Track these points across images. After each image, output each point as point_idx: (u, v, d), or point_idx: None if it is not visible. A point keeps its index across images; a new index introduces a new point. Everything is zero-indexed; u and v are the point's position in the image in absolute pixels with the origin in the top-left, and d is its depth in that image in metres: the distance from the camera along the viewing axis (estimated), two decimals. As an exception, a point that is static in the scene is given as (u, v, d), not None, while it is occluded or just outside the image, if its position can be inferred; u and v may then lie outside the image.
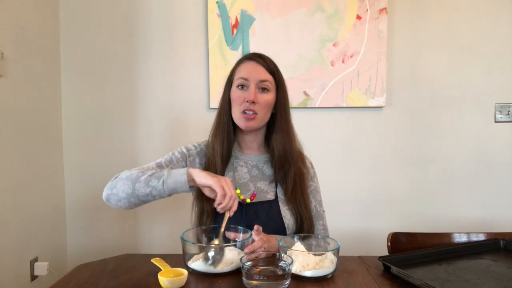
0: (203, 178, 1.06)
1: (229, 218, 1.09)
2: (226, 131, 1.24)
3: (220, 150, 1.23)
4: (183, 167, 1.24)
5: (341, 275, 1.03)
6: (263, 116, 1.22)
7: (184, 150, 1.29)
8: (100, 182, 2.13)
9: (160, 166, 1.22)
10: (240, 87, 1.21)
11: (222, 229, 1.08)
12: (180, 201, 2.12)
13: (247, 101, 1.18)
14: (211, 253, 1.02)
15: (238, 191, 1.23)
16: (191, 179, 1.07)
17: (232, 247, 1.04)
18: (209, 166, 1.24)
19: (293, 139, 1.26)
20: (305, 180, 1.28)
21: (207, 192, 1.08)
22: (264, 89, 1.20)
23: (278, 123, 1.24)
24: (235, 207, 1.07)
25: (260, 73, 1.20)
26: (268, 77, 1.21)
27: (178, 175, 1.07)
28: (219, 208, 1.06)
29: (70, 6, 2.10)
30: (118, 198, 1.11)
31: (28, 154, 1.84)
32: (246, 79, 1.19)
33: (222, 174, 1.24)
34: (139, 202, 1.11)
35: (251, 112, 1.19)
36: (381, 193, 2.16)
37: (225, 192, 1.04)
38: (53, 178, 2.07)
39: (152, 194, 1.08)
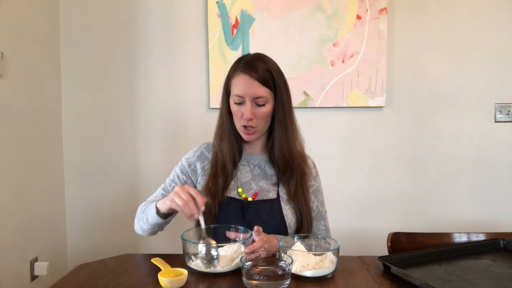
0: (162, 205, 1.12)
1: (226, 214, 1.12)
2: (233, 136, 1.25)
3: (232, 154, 1.25)
4: (185, 181, 1.30)
5: (341, 275, 1.03)
6: (263, 127, 1.22)
7: (184, 163, 1.31)
8: (100, 182, 2.15)
9: (165, 190, 1.31)
10: (236, 103, 1.20)
11: (203, 226, 1.08)
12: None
13: (245, 118, 1.18)
14: (210, 252, 1.02)
15: (240, 190, 1.24)
16: (161, 213, 1.16)
17: (233, 244, 1.04)
18: (216, 170, 1.24)
19: (293, 142, 1.24)
20: (307, 180, 1.28)
21: (177, 210, 1.12)
22: (259, 104, 1.18)
23: (276, 130, 1.23)
24: (199, 203, 1.06)
25: (253, 88, 1.16)
26: (263, 91, 1.17)
27: (151, 211, 1.18)
28: (189, 219, 1.08)
29: (70, 6, 2.10)
30: (141, 232, 1.28)
31: (28, 154, 1.84)
32: (241, 97, 1.17)
33: (232, 176, 1.25)
34: (152, 233, 1.26)
35: (250, 128, 1.20)
36: (381, 193, 2.16)
37: (179, 206, 1.05)
38: (53, 178, 2.07)
39: (149, 228, 1.23)
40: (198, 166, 1.29)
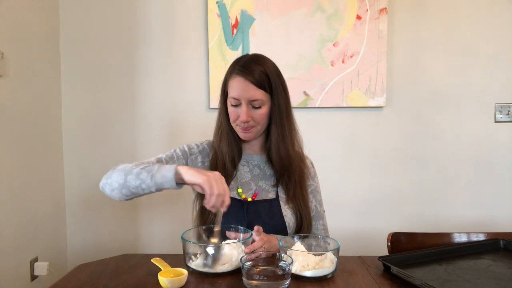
0: (191, 176, 1.04)
1: (226, 214, 1.08)
2: (232, 137, 1.25)
3: (231, 154, 1.24)
4: (183, 164, 1.25)
5: (341, 275, 1.03)
6: (260, 128, 1.22)
7: (186, 148, 1.29)
8: (100, 182, 2.15)
9: (160, 162, 1.22)
10: (233, 105, 1.20)
11: (217, 228, 1.07)
12: (181, 201, 2.12)
13: (241, 121, 1.18)
14: (210, 251, 1.02)
15: (239, 190, 1.24)
16: (179, 177, 1.06)
17: (233, 245, 1.04)
18: (216, 170, 1.23)
19: (291, 143, 1.24)
20: (305, 180, 1.29)
21: (197, 189, 1.06)
22: (256, 107, 1.18)
23: (273, 132, 1.22)
24: (227, 202, 1.04)
25: (249, 91, 1.16)
26: (258, 94, 1.16)
27: (166, 171, 1.06)
28: (208, 207, 1.04)
29: (70, 6, 2.10)
30: (112, 188, 1.13)
31: (28, 154, 1.84)
32: (237, 99, 1.17)
33: (232, 176, 1.24)
34: (130, 194, 1.12)
35: (247, 127, 1.19)
36: (381, 193, 2.16)
37: (212, 191, 1.02)
38: (53, 178, 2.07)
39: (141, 187, 1.08)
40: (199, 159, 1.29)
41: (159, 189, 1.08)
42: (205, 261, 1.01)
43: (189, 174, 1.05)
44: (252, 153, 1.30)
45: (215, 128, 1.29)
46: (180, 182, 1.07)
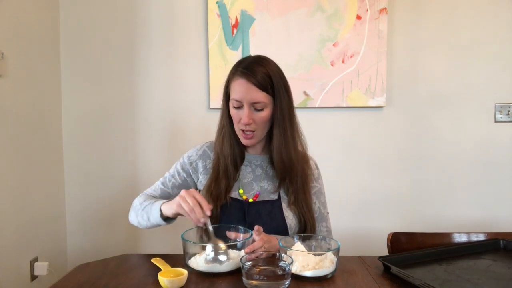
0: (169, 210, 1.13)
1: (227, 215, 1.14)
2: (234, 139, 1.24)
3: (233, 157, 1.24)
4: (185, 178, 1.30)
5: (341, 275, 1.02)
6: (262, 132, 1.21)
7: (186, 160, 1.31)
8: (100, 182, 2.15)
9: (164, 185, 1.31)
10: (235, 107, 1.19)
11: (211, 229, 1.08)
12: (180, 201, 2.12)
13: (243, 123, 1.18)
14: (211, 252, 1.02)
15: (241, 191, 1.24)
16: (165, 216, 1.16)
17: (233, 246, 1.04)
18: (218, 173, 1.23)
19: (293, 146, 1.23)
20: (309, 182, 1.27)
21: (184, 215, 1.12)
22: (258, 109, 1.17)
23: (275, 134, 1.21)
24: (205, 206, 1.06)
25: (251, 93, 1.15)
26: (260, 96, 1.15)
27: (154, 211, 1.18)
28: (195, 223, 1.07)
29: (70, 6, 2.10)
30: (136, 224, 1.29)
31: (28, 154, 1.84)
32: (239, 101, 1.17)
33: (234, 178, 1.25)
34: (152, 227, 1.26)
35: (248, 132, 1.19)
36: (381, 193, 2.16)
37: (186, 211, 1.06)
38: (53, 178, 2.07)
39: (148, 225, 1.24)
40: (200, 164, 1.29)
41: (161, 225, 1.21)
42: (206, 257, 1.02)
43: (167, 210, 1.14)
44: (255, 153, 1.30)
45: (217, 130, 1.28)
46: (168, 218, 1.17)
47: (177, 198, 1.08)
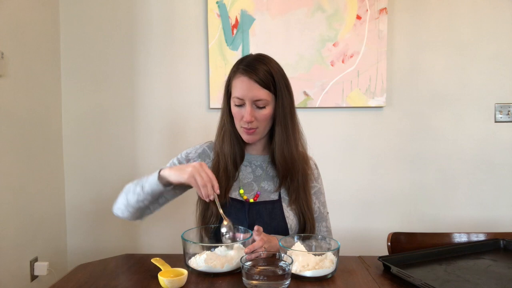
0: (175, 176, 1.10)
1: (228, 215, 1.13)
2: (235, 138, 1.24)
3: (233, 156, 1.24)
4: None
5: (341, 275, 1.02)
6: (264, 129, 1.21)
7: (183, 156, 1.30)
8: (100, 182, 2.15)
9: None
10: (236, 105, 1.19)
11: (221, 211, 1.11)
12: (180, 201, 2.12)
13: (245, 121, 1.17)
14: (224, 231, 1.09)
15: (241, 191, 1.24)
16: (165, 180, 1.12)
17: (233, 246, 1.04)
18: (218, 172, 1.23)
19: (295, 144, 1.23)
20: (309, 181, 1.27)
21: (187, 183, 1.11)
22: (260, 107, 1.17)
23: (277, 132, 1.21)
24: (216, 185, 1.08)
25: (253, 91, 1.15)
26: (262, 94, 1.15)
27: (151, 178, 1.13)
28: (204, 199, 1.09)
29: (70, 6, 2.10)
30: (122, 211, 1.22)
31: (28, 154, 1.84)
32: (241, 99, 1.17)
33: (234, 178, 1.25)
34: (135, 211, 1.19)
35: (250, 128, 1.19)
36: (381, 193, 2.16)
37: (198, 184, 1.06)
38: (53, 178, 2.07)
39: (139, 200, 1.16)
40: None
41: (154, 197, 1.16)
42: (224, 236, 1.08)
43: (173, 175, 1.10)
44: (255, 153, 1.30)
45: (217, 129, 1.28)
46: (168, 184, 1.13)
47: (190, 169, 1.08)
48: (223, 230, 1.10)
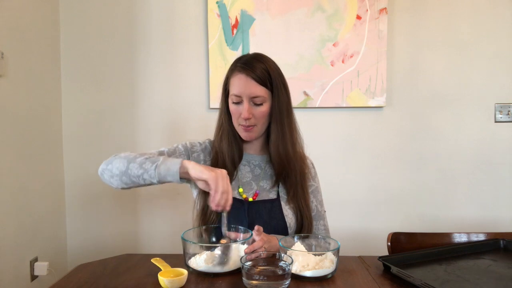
0: (199, 171, 1.04)
1: (229, 214, 1.09)
2: (233, 137, 1.24)
3: (231, 154, 1.24)
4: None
5: (341, 275, 1.02)
6: (261, 126, 1.22)
7: (188, 145, 1.29)
8: (100, 182, 2.14)
9: (161, 154, 1.21)
10: (234, 103, 1.20)
11: (225, 228, 1.07)
12: (180, 201, 2.13)
13: (243, 117, 1.18)
14: (217, 253, 1.02)
15: (241, 189, 1.24)
16: (185, 171, 1.05)
17: (235, 245, 1.04)
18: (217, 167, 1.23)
19: (290, 142, 1.23)
20: (306, 180, 1.28)
21: (201, 185, 1.06)
22: (257, 104, 1.17)
23: (273, 130, 1.22)
24: (230, 201, 1.04)
25: (251, 88, 1.16)
26: (259, 91, 1.16)
27: (172, 164, 1.06)
28: (213, 206, 1.04)
29: (70, 6, 2.10)
30: (111, 174, 1.13)
31: (28, 154, 1.84)
32: (239, 96, 1.17)
33: (233, 176, 1.24)
34: (130, 183, 1.11)
35: (248, 126, 1.19)
36: (381, 193, 2.16)
37: (218, 188, 1.02)
38: (53, 178, 2.07)
39: (143, 177, 1.08)
40: (202, 157, 1.29)
41: (161, 182, 1.08)
42: (210, 262, 1.01)
43: (196, 169, 1.04)
44: (253, 153, 1.30)
45: (216, 128, 1.28)
46: (183, 177, 1.07)
47: (216, 173, 1.03)
48: (218, 251, 1.03)
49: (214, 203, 1.03)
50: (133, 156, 1.12)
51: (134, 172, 1.09)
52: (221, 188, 1.02)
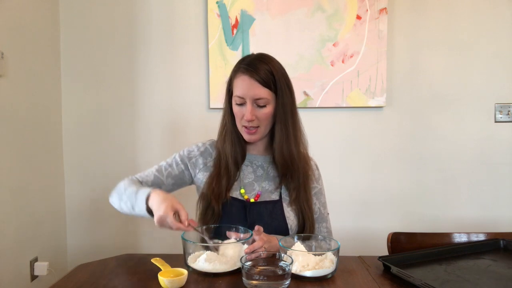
0: (154, 210, 1.08)
1: (229, 215, 1.13)
2: (236, 137, 1.24)
3: (234, 155, 1.24)
4: (182, 170, 1.29)
5: (341, 275, 1.02)
6: (265, 128, 1.21)
7: (185, 153, 1.31)
8: (100, 182, 2.15)
9: (159, 172, 1.28)
10: (237, 104, 1.20)
11: (201, 235, 1.10)
12: (181, 201, 2.12)
13: (246, 119, 1.18)
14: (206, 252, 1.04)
15: (242, 190, 1.24)
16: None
17: (234, 245, 1.04)
18: (219, 170, 1.24)
19: (295, 144, 1.23)
20: (309, 182, 1.27)
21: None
22: (260, 105, 1.17)
23: (277, 131, 1.21)
24: (184, 218, 1.06)
25: (254, 90, 1.15)
26: (263, 92, 1.16)
27: (140, 202, 1.11)
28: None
29: (70, 6, 2.10)
30: (116, 206, 1.24)
31: (28, 154, 1.84)
32: (242, 98, 1.17)
33: (235, 178, 1.24)
34: (130, 214, 1.20)
35: (252, 128, 1.19)
36: (381, 193, 2.16)
37: (163, 225, 1.05)
38: (53, 178, 2.07)
39: (131, 212, 1.17)
40: (200, 161, 1.29)
41: (146, 216, 1.13)
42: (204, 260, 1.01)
43: (153, 208, 1.08)
44: (256, 153, 1.30)
45: (219, 128, 1.28)
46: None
47: (159, 215, 1.05)
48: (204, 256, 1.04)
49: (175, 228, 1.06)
50: (121, 190, 1.20)
51: (125, 209, 1.19)
52: (174, 228, 1.05)
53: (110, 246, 2.16)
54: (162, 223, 1.05)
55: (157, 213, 1.05)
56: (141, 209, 1.12)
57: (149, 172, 1.28)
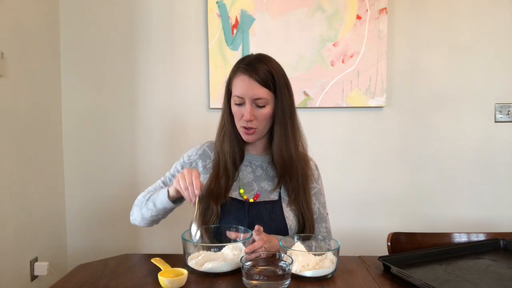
0: (172, 189, 1.15)
1: (228, 215, 1.15)
2: (235, 137, 1.24)
3: (232, 155, 1.24)
4: None
5: (341, 275, 1.02)
6: (263, 129, 1.21)
7: (185, 159, 1.32)
8: (100, 182, 2.16)
9: (165, 184, 1.32)
10: (236, 104, 1.20)
11: (195, 214, 1.11)
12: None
13: (245, 119, 1.18)
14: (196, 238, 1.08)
15: (241, 190, 1.24)
16: (171, 195, 1.16)
17: (234, 245, 1.04)
18: (218, 171, 1.24)
19: (294, 144, 1.23)
20: (309, 182, 1.27)
21: (176, 193, 1.15)
22: (259, 106, 1.17)
23: (276, 131, 1.21)
24: (196, 186, 1.08)
25: (253, 90, 1.15)
26: (262, 92, 1.16)
27: (161, 195, 1.18)
28: (188, 202, 1.10)
29: (70, 6, 2.10)
30: (139, 222, 1.28)
31: (28, 154, 1.84)
32: (241, 97, 1.17)
33: (234, 178, 1.25)
34: (152, 221, 1.26)
35: (250, 128, 1.19)
36: (381, 193, 2.16)
37: (181, 187, 1.08)
38: (53, 178, 2.07)
39: (153, 215, 1.22)
40: (200, 164, 1.29)
41: (167, 212, 1.22)
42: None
43: (171, 189, 1.15)
44: (255, 153, 1.30)
45: (218, 128, 1.28)
46: (175, 200, 1.18)
47: (178, 175, 1.11)
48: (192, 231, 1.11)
49: (187, 197, 1.09)
50: (141, 201, 1.27)
51: (147, 215, 1.24)
52: (182, 186, 1.08)
53: (110, 246, 2.16)
54: (182, 175, 1.09)
55: (179, 174, 1.11)
56: (162, 200, 1.17)
57: (157, 184, 1.33)
